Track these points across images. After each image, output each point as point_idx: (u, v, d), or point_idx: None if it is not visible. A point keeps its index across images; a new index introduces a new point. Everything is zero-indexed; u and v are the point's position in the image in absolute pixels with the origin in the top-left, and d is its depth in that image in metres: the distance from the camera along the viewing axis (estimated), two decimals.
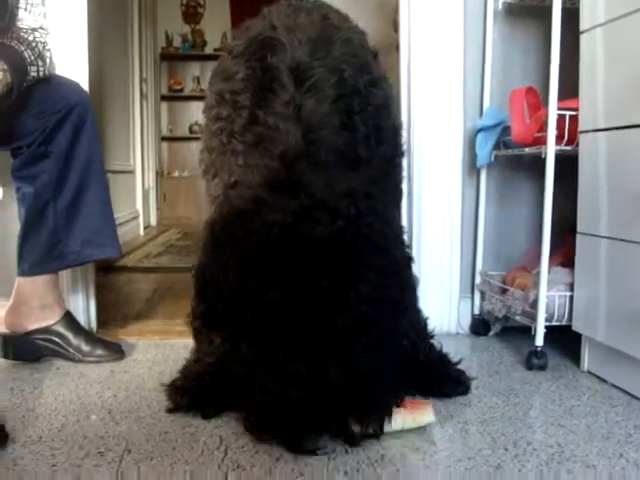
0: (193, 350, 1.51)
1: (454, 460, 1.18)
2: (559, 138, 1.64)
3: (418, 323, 1.56)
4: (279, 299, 1.11)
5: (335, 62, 1.31)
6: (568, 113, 1.63)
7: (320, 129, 1.23)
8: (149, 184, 5.46)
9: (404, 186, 1.76)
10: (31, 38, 1.62)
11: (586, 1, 1.58)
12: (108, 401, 1.46)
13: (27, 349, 1.70)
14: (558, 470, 1.14)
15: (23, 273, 1.70)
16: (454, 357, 1.59)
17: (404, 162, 1.58)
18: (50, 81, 1.64)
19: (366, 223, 1.16)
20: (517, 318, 1.78)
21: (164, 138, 6.18)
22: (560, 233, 1.75)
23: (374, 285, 1.14)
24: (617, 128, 1.46)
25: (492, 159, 1.93)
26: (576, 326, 1.64)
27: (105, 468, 1.14)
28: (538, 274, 1.67)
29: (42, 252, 1.68)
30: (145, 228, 5.18)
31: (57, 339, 1.70)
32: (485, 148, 1.90)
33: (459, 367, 1.56)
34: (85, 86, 1.85)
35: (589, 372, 1.64)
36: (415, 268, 1.79)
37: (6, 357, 1.70)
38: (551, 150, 1.63)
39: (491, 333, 2.00)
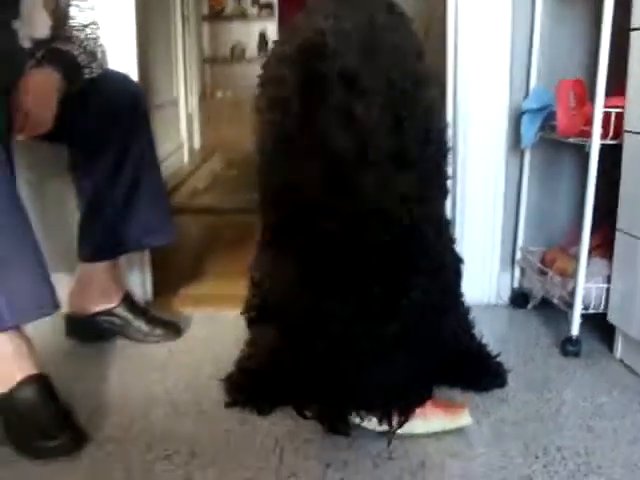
0: (247, 342, 1.62)
1: (489, 469, 1.29)
2: (604, 134, 1.64)
3: (461, 315, 1.63)
4: (331, 309, 1.19)
5: (382, 68, 1.32)
6: (614, 111, 1.63)
7: (370, 133, 1.26)
8: (192, 108, 5.50)
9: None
10: (83, 36, 1.67)
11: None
12: (171, 391, 1.59)
13: (91, 330, 1.83)
14: None
15: (84, 259, 1.81)
16: (493, 345, 1.68)
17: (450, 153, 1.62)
18: (104, 78, 1.69)
19: (419, 230, 1.22)
20: (554, 301, 1.84)
21: (206, 60, 6.14)
22: (601, 216, 1.76)
23: (424, 291, 1.22)
24: None
25: (536, 140, 1.93)
26: (611, 318, 1.71)
27: (173, 473, 1.27)
28: (577, 261, 1.72)
29: (101, 240, 1.78)
30: (189, 154, 5.26)
31: (119, 321, 1.83)
32: (530, 130, 1.91)
33: (497, 359, 1.64)
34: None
35: (621, 361, 1.70)
36: (458, 243, 1.91)
37: (72, 336, 1.83)
38: (595, 146, 1.65)
39: (529, 306, 2.08)
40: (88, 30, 1.68)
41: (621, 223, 1.66)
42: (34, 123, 1.47)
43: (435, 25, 2.19)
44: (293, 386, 1.45)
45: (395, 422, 1.31)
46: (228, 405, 1.52)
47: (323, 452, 1.35)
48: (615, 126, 1.65)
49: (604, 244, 1.81)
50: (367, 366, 1.24)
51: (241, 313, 1.63)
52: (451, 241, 1.48)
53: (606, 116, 1.64)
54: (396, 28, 1.45)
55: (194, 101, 5.44)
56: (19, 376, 1.34)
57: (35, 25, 1.47)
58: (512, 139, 2.04)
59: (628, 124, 1.61)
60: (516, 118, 2.00)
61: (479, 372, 1.58)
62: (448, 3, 2.03)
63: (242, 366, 1.57)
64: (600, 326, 1.79)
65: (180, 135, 5.10)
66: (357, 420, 1.34)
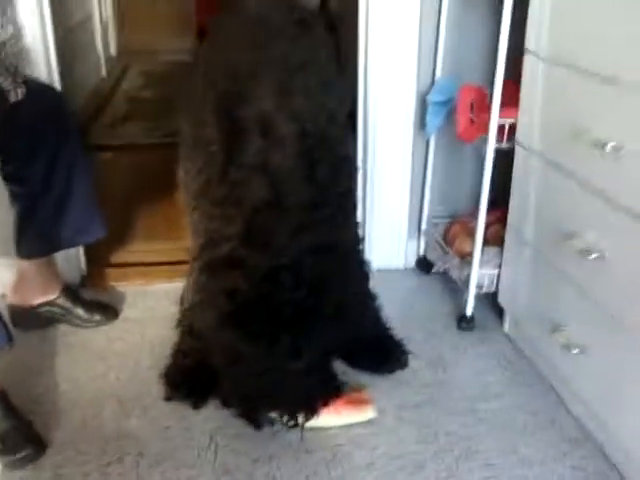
0: (180, 339, 1.82)
1: (389, 457, 1.57)
2: (499, 139, 1.84)
3: (369, 308, 1.86)
4: (246, 350, 1.41)
5: (297, 111, 1.45)
6: (508, 122, 1.82)
7: (286, 181, 1.40)
8: (107, 16, 5.34)
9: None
10: (2, 55, 1.70)
11: (531, 22, 1.69)
12: (114, 385, 1.79)
13: (33, 319, 1.99)
14: (464, 467, 1.54)
15: (21, 256, 1.93)
16: (400, 313, 1.99)
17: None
18: (27, 92, 1.75)
19: (324, 287, 1.43)
20: (453, 278, 2.10)
21: None
22: (498, 196, 1.97)
23: (323, 340, 1.45)
24: (550, 161, 1.68)
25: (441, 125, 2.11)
26: (500, 300, 1.98)
27: (127, 476, 1.50)
28: (473, 252, 1.96)
29: (36, 240, 1.91)
30: (107, 65, 5.17)
31: (59, 310, 1.99)
32: (434, 121, 2.08)
33: (400, 342, 1.90)
34: None
35: (508, 336, 1.99)
36: (368, 212, 2.22)
37: (16, 326, 1.99)
38: (490, 152, 1.85)
39: (434, 270, 2.33)
40: (7, 46, 1.71)
41: (511, 219, 1.89)
42: None
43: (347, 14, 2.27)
44: (219, 385, 1.68)
45: (301, 420, 1.55)
46: (167, 399, 1.73)
47: (251, 447, 1.59)
48: (509, 133, 1.83)
49: (500, 221, 2.03)
50: (274, 385, 1.46)
51: (175, 326, 1.81)
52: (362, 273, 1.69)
53: (501, 127, 1.82)
54: (311, 61, 1.57)
55: (108, 10, 5.28)
56: None
57: None
58: (419, 121, 2.21)
59: (518, 136, 1.80)
60: (423, 103, 2.16)
61: (384, 358, 1.84)
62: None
63: (177, 364, 1.77)
64: (493, 301, 2.05)
65: (96, 49, 4.99)
66: (274, 415, 1.58)
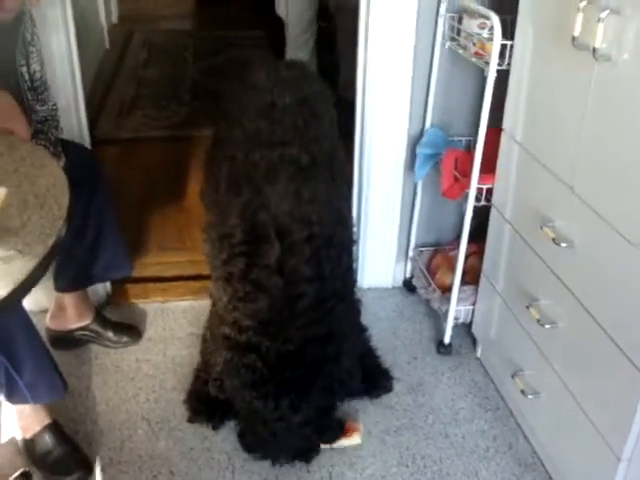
0: (200, 364, 2.15)
1: (374, 479, 1.93)
2: (477, 199, 2.13)
3: (362, 341, 2.20)
4: (260, 406, 1.75)
5: (306, 217, 1.71)
6: (485, 187, 2.11)
7: (299, 284, 1.69)
8: None
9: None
10: (46, 129, 1.97)
11: (509, 107, 1.95)
12: (143, 406, 2.12)
13: (69, 341, 2.31)
14: None
15: (59, 290, 2.24)
16: (387, 332, 2.35)
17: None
18: (66, 154, 2.01)
19: (316, 369, 1.74)
20: (434, 307, 2.43)
21: None
22: (478, 232, 2.23)
23: (317, 400, 1.79)
24: (519, 232, 1.97)
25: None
26: (474, 330, 2.31)
27: None
28: (451, 291, 2.27)
29: (73, 277, 2.21)
30: (109, 36, 5.31)
31: (91, 334, 2.31)
32: (422, 170, 2.37)
33: (386, 368, 2.24)
34: None
35: (480, 361, 2.33)
36: (362, 237, 2.57)
37: (54, 347, 2.31)
38: (470, 209, 2.14)
39: (417, 290, 2.65)
40: (50, 120, 1.97)
41: (485, 271, 2.20)
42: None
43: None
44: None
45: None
46: (190, 421, 2.07)
47: (262, 468, 1.94)
48: (486, 194, 2.12)
49: (477, 254, 2.33)
50: (281, 433, 1.81)
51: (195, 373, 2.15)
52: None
53: (480, 190, 2.11)
54: (315, 164, 1.81)
55: None
56: (38, 427, 1.84)
57: None
58: (409, 161, 2.48)
59: (494, 201, 2.09)
60: (413, 147, 2.43)
61: (373, 385, 2.17)
62: (358, 42, 2.35)
63: (198, 390, 2.10)
64: (469, 330, 2.38)
65: (100, 18, 5.11)
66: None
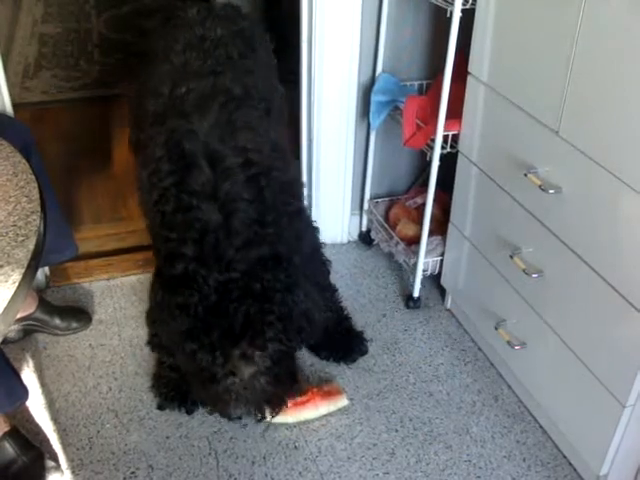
0: (160, 354, 1.99)
1: (366, 447, 1.84)
2: (443, 147, 2.04)
3: (333, 303, 2.09)
4: (203, 357, 1.52)
5: (240, 145, 1.58)
6: (451, 133, 2.01)
7: (235, 202, 1.52)
8: None
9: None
10: None
11: (475, 48, 1.84)
12: (108, 398, 1.95)
13: (14, 333, 2.09)
14: (429, 451, 1.84)
15: None
16: (351, 292, 2.26)
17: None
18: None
19: (268, 298, 1.51)
20: (399, 261, 2.35)
21: None
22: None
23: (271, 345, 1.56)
24: (487, 174, 1.89)
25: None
26: (443, 282, 2.24)
27: None
28: (419, 233, 2.19)
29: None
30: None
31: (37, 323, 2.10)
32: (377, 118, 2.25)
33: (359, 330, 2.15)
34: None
35: (450, 312, 2.28)
36: (314, 191, 2.45)
37: None
38: (436, 158, 2.04)
39: (375, 243, 2.56)
40: None
41: (453, 216, 2.13)
42: None
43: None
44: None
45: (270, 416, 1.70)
46: (160, 408, 1.92)
47: (246, 449, 1.82)
48: (452, 141, 2.03)
49: (440, 204, 2.25)
50: (232, 389, 1.56)
51: (147, 343, 1.96)
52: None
53: (446, 136, 2.01)
54: (247, 95, 1.69)
55: None
56: None
57: None
58: (361, 109, 2.36)
59: (461, 147, 2.01)
60: (364, 92, 2.33)
61: (348, 348, 2.08)
62: None
63: (164, 375, 1.94)
64: (436, 280, 2.32)
65: None
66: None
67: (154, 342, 1.89)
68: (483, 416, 1.92)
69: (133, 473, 1.75)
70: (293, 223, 1.67)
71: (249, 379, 1.54)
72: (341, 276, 2.41)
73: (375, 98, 2.22)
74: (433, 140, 1.99)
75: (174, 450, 1.80)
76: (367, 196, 2.51)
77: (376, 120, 2.25)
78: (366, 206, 2.52)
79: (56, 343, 2.12)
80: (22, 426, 1.78)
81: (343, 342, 2.08)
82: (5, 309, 0.75)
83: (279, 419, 1.82)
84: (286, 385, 1.70)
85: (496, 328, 1.91)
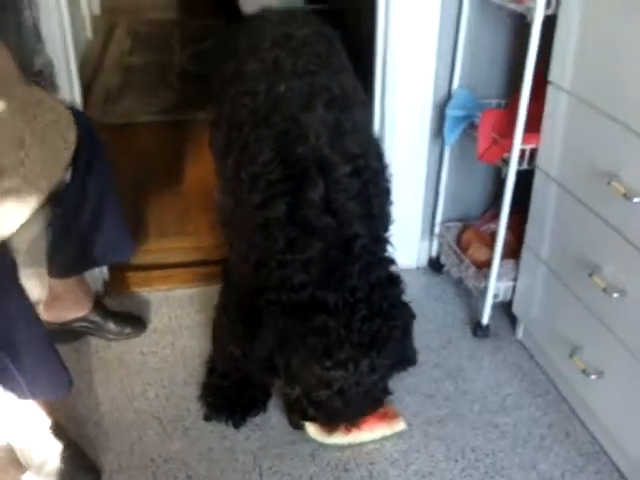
0: (213, 354, 1.90)
1: (421, 476, 1.69)
2: (520, 162, 1.91)
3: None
4: (338, 375, 1.43)
5: (349, 151, 1.48)
6: (529, 148, 1.89)
7: (351, 223, 1.43)
8: None
9: None
10: (42, 84, 1.72)
11: (557, 56, 1.73)
12: (154, 405, 1.87)
13: (67, 334, 2.05)
14: None
15: (54, 275, 1.99)
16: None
17: None
18: None
19: (393, 315, 1.47)
20: (468, 286, 2.20)
21: None
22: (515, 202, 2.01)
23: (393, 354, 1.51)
24: (568, 190, 1.76)
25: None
26: (515, 310, 2.09)
27: None
28: (491, 257, 2.05)
29: (69, 260, 1.96)
30: (93, 26, 5.06)
31: (91, 325, 2.06)
32: (453, 134, 2.14)
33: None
34: None
35: (521, 344, 2.11)
36: None
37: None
38: (512, 174, 1.92)
39: (445, 269, 2.43)
40: (46, 74, 1.72)
41: (528, 237, 1.98)
42: None
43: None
44: (260, 399, 1.79)
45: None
46: (207, 419, 1.82)
47: (293, 468, 1.70)
48: (529, 157, 1.91)
49: (514, 229, 2.11)
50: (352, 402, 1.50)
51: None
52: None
53: (523, 152, 1.89)
54: (352, 104, 1.62)
55: None
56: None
57: None
58: (435, 128, 2.26)
59: (539, 162, 1.88)
60: (439, 110, 2.22)
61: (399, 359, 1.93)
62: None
63: (214, 384, 1.86)
64: (507, 309, 2.16)
65: (81, 8, 4.87)
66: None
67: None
68: (553, 452, 1.75)
69: None
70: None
71: (371, 387, 1.49)
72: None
73: (451, 113, 2.13)
74: (509, 155, 1.87)
75: (216, 462, 1.70)
76: (438, 220, 2.40)
77: (451, 136, 2.15)
78: (437, 230, 2.40)
79: (108, 347, 2.06)
80: (64, 425, 1.70)
81: None
82: None
83: (333, 440, 1.71)
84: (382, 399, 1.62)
85: (570, 356, 1.74)
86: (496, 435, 1.80)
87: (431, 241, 2.45)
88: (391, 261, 1.59)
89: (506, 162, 1.92)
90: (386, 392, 1.65)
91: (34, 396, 1.50)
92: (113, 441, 1.76)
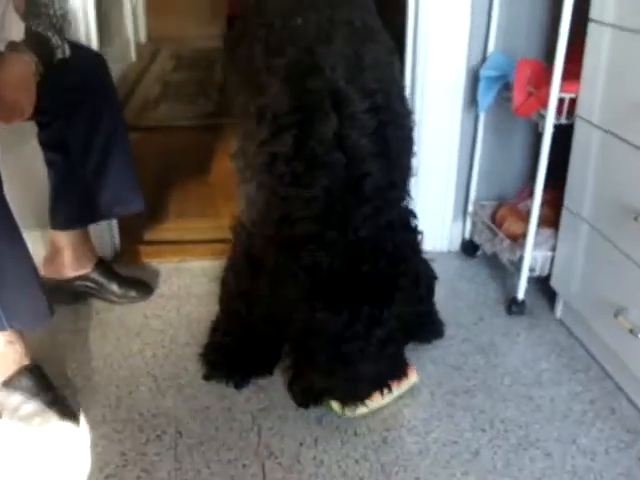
0: (219, 316, 1.74)
1: (442, 444, 1.48)
2: (557, 114, 1.74)
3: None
4: (327, 316, 1.32)
5: (368, 86, 1.37)
6: (568, 97, 1.72)
7: (364, 161, 1.33)
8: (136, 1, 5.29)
9: None
10: (52, 12, 1.62)
11: None
12: (150, 363, 1.71)
13: (66, 293, 1.91)
14: (523, 456, 1.44)
15: (56, 227, 1.86)
16: (446, 298, 1.90)
17: None
18: (70, 58, 1.67)
19: (401, 258, 1.35)
20: (503, 261, 2.00)
21: None
22: (552, 175, 1.84)
23: (403, 302, 1.37)
24: (612, 133, 1.58)
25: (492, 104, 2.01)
26: (554, 283, 1.88)
27: (165, 456, 1.42)
28: (526, 232, 1.85)
29: (74, 210, 1.84)
30: (137, 51, 5.12)
31: (93, 285, 1.92)
32: (486, 97, 1.99)
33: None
34: None
35: (560, 322, 1.89)
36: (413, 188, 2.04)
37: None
38: (549, 128, 1.74)
39: (479, 253, 2.23)
40: (57, 5, 1.63)
41: (567, 201, 1.79)
42: (14, 111, 1.48)
43: None
44: (265, 360, 1.61)
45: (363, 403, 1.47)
46: (206, 378, 1.64)
47: (296, 430, 1.50)
48: (568, 109, 1.73)
49: (553, 203, 1.93)
50: (355, 362, 1.38)
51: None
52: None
53: (560, 99, 1.72)
54: (375, 37, 1.49)
55: None
56: (14, 366, 1.44)
57: (10, 30, 1.44)
58: (468, 97, 2.11)
59: (579, 111, 1.70)
60: (473, 79, 2.07)
61: (422, 327, 1.74)
62: None
63: (217, 341, 1.69)
64: (543, 286, 1.95)
65: (126, 31, 4.93)
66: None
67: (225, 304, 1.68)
68: (595, 428, 1.52)
69: (158, 437, 1.48)
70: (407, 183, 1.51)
71: (377, 343, 1.36)
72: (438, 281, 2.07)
73: (484, 73, 1.98)
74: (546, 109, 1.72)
75: (211, 421, 1.52)
76: (472, 198, 2.22)
77: (485, 99, 2.00)
78: (470, 208, 2.21)
79: (110, 310, 1.93)
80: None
81: (418, 321, 1.74)
82: None
83: (358, 411, 1.53)
84: (400, 366, 1.50)
85: (615, 316, 1.53)
86: (530, 408, 1.58)
87: (464, 222, 2.26)
88: (410, 212, 1.46)
89: (543, 117, 1.74)
90: (400, 361, 1.47)
91: (9, 321, 1.36)
92: (100, 394, 1.60)
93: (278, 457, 1.43)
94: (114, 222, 2.20)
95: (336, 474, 1.39)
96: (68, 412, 1.47)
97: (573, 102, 1.73)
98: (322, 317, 1.32)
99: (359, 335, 1.34)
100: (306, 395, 1.46)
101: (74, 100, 1.67)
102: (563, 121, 1.76)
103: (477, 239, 2.18)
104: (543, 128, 1.76)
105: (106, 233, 2.16)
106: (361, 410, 1.50)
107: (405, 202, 1.49)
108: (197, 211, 2.59)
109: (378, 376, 1.42)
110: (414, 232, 1.45)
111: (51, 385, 1.48)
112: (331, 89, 1.33)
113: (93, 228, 1.98)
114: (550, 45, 1.97)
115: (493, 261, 2.13)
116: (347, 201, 1.31)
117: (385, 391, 1.49)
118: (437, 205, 2.27)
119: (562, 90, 1.71)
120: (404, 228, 1.40)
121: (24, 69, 1.50)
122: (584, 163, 1.69)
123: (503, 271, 2.08)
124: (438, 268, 1.90)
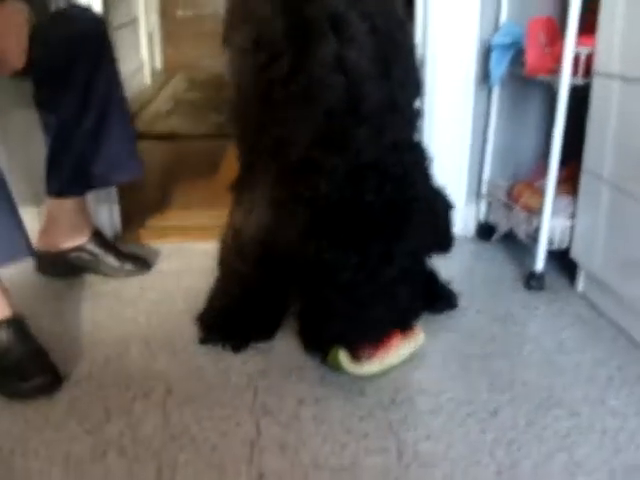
0: (217, 279, 1.63)
1: (457, 403, 1.34)
2: (573, 73, 1.65)
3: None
4: (334, 259, 1.21)
5: (367, 10, 1.31)
6: (584, 52, 1.63)
7: (363, 82, 1.26)
8: (153, 27, 5.33)
9: None
10: None
11: None
12: (144, 328, 1.60)
13: (61, 265, 1.83)
14: (546, 415, 1.30)
15: (52, 195, 1.78)
16: (460, 278, 1.80)
17: None
18: (67, 11, 1.62)
19: (410, 182, 1.27)
20: (520, 236, 1.89)
21: None
22: (568, 151, 1.77)
23: (415, 239, 1.27)
24: (632, 80, 1.47)
25: (505, 76, 1.93)
26: (574, 254, 1.76)
27: (152, 413, 1.30)
28: (543, 198, 1.75)
29: (69, 176, 1.76)
30: (151, 75, 5.14)
31: (88, 257, 1.83)
32: (499, 67, 1.91)
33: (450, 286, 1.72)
34: None
35: (582, 296, 1.76)
36: None
37: (43, 273, 1.83)
38: (564, 86, 1.65)
39: (494, 238, 2.12)
40: None
41: (587, 163, 1.69)
42: (4, 61, 1.42)
43: None
44: (266, 324, 1.49)
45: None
46: (202, 342, 1.53)
47: (296, 389, 1.38)
48: (584, 66, 1.64)
49: (570, 179, 1.84)
50: (368, 305, 1.27)
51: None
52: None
53: (576, 55, 1.63)
54: None
55: (154, 20, 5.27)
56: None
57: None
58: (481, 73, 2.03)
59: (597, 65, 1.61)
60: (485, 53, 1.99)
61: (434, 297, 1.62)
62: None
63: (214, 304, 1.58)
64: (562, 261, 1.84)
65: (141, 55, 4.96)
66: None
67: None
68: (624, 391, 1.39)
69: (146, 394, 1.36)
70: (413, 119, 1.42)
71: (390, 283, 1.26)
72: (449, 269, 1.95)
73: (497, 40, 1.90)
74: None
75: (204, 380, 1.41)
76: (486, 178, 2.12)
77: (497, 70, 1.92)
78: (485, 189, 2.11)
79: (105, 283, 1.83)
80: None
81: (429, 290, 1.63)
82: None
83: (367, 369, 1.42)
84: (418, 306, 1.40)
85: None
86: (553, 371, 1.45)
87: (478, 204, 2.16)
88: (409, 128, 1.35)
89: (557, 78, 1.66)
90: (415, 306, 1.37)
91: None
92: (87, 355, 1.49)
93: (275, 415, 1.31)
94: (115, 209, 2.12)
95: (338, 431, 1.26)
96: (49, 365, 1.35)
97: (589, 61, 1.63)
98: (329, 258, 1.21)
99: (370, 277, 1.24)
100: (317, 340, 1.34)
101: (70, 59, 1.61)
102: (579, 82, 1.66)
103: (492, 218, 2.07)
104: (557, 88, 1.66)
105: (106, 217, 2.08)
106: (369, 368, 1.38)
107: (415, 122, 1.38)
108: (201, 204, 2.52)
109: (392, 318, 1.31)
110: (423, 153, 1.33)
111: (32, 338, 1.38)
112: (330, 12, 1.27)
113: (94, 216, 1.92)
114: (562, 16, 1.90)
115: (510, 244, 2.03)
116: (347, 123, 1.22)
117: (397, 338, 1.36)
118: (449, 187, 2.15)
119: (578, 44, 1.62)
120: (411, 149, 1.28)
121: (15, 17, 1.45)
122: (604, 120, 1.60)
123: (521, 252, 1.98)
124: (453, 252, 1.78)
